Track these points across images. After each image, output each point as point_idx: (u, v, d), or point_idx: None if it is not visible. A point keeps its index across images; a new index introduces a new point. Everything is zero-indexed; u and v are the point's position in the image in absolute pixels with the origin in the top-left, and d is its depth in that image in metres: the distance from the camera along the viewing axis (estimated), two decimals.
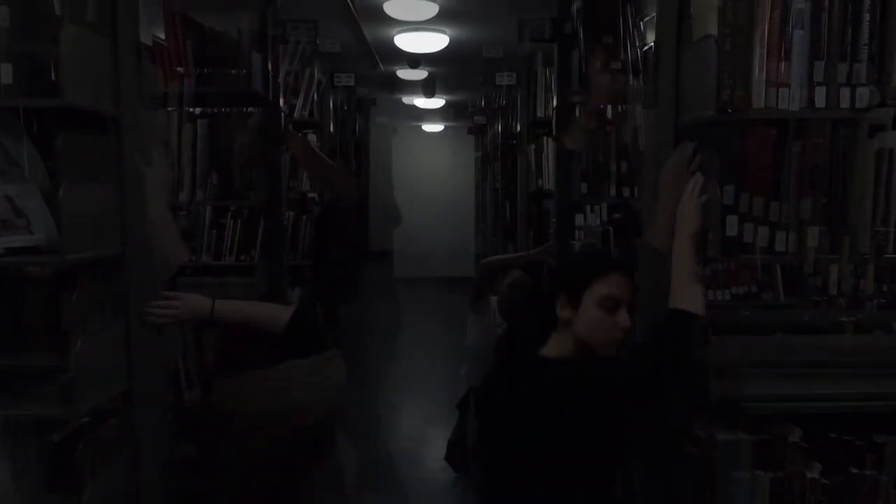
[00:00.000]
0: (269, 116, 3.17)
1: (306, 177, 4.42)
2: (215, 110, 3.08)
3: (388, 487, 4.19)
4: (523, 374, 1.77)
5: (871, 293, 1.77)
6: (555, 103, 3.56)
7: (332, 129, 5.47)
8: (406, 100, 9.61)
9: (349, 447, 2.94)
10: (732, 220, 1.72)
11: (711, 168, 1.74)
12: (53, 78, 1.58)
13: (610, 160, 2.84)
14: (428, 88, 8.23)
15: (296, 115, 4.66)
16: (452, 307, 6.68)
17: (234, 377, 1.94)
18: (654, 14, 1.97)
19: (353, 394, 2.07)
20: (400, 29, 5.96)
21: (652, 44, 1.99)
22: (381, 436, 5.05)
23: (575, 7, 3.18)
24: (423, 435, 5.05)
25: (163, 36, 2.18)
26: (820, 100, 1.69)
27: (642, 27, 2.51)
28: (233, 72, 2.97)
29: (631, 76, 2.60)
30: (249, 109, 3.14)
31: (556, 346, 1.78)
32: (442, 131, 12.05)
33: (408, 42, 6.19)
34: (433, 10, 5.19)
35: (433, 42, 6.19)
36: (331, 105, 5.44)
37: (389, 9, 5.18)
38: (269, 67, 3.17)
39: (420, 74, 7.67)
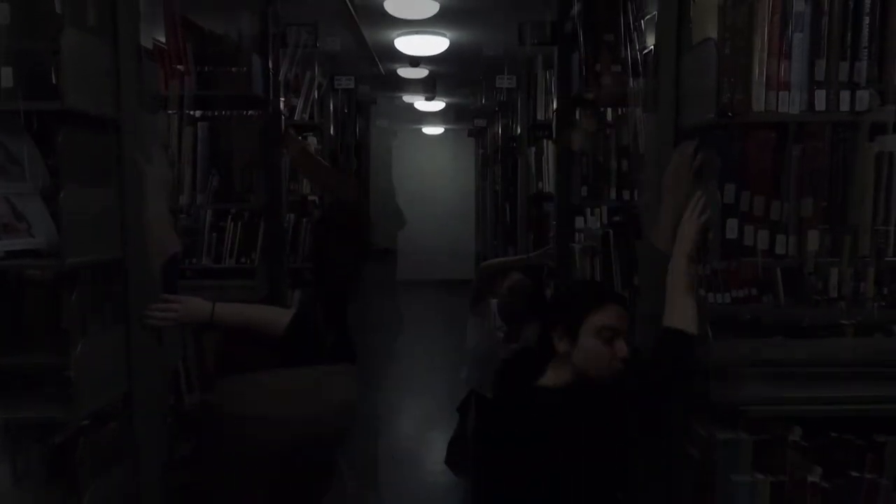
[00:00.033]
0: (270, 119, 3.17)
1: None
2: (215, 113, 3.08)
3: (388, 489, 4.19)
4: (523, 406, 1.79)
5: (871, 296, 1.77)
6: (555, 106, 3.55)
7: (332, 131, 5.47)
8: (407, 99, 9.59)
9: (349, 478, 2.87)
10: (733, 224, 1.73)
11: (713, 168, 1.74)
12: (54, 81, 1.58)
13: (610, 162, 2.84)
14: (428, 88, 8.22)
15: (296, 117, 4.67)
16: (453, 309, 6.68)
17: (235, 380, 1.94)
18: (654, 12, 1.97)
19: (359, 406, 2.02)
20: (400, 31, 5.96)
21: (652, 47, 1.99)
22: (382, 437, 5.05)
23: (575, 8, 3.17)
24: (424, 438, 5.05)
25: (163, 39, 2.18)
26: (820, 103, 1.70)
27: (643, 26, 2.52)
28: (233, 69, 2.97)
29: (631, 78, 2.60)
30: (250, 112, 3.14)
31: (554, 377, 1.80)
32: (442, 134, 12.04)
33: (408, 44, 6.20)
34: (434, 8, 5.19)
35: (433, 45, 6.20)
36: (331, 108, 5.44)
37: (390, 7, 5.18)
38: (270, 69, 3.17)
39: (421, 73, 7.66)
